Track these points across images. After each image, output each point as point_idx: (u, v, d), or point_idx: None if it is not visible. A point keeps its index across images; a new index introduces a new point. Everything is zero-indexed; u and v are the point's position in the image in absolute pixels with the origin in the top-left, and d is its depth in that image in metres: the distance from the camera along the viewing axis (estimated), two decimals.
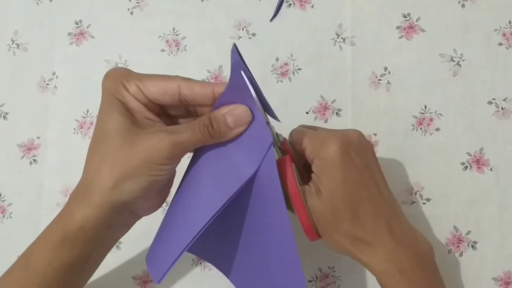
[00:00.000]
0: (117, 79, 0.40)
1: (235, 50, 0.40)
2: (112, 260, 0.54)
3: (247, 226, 0.45)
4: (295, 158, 0.44)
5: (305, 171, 0.46)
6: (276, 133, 0.43)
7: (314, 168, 0.43)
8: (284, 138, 0.45)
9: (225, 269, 0.49)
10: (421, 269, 0.43)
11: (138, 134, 0.39)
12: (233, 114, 0.39)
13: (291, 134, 0.46)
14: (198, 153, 0.43)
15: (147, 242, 0.54)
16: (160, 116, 0.42)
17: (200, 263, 0.54)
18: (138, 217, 0.45)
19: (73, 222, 0.40)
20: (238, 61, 0.39)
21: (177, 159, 0.40)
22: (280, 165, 0.42)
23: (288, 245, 0.44)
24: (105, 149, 0.39)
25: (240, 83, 0.39)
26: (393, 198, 0.46)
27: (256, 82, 0.40)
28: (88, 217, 0.40)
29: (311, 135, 0.44)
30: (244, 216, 0.45)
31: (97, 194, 0.39)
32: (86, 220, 0.40)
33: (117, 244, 0.54)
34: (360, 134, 0.45)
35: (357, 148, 0.43)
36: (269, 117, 0.43)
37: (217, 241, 0.48)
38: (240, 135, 0.41)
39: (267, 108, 0.42)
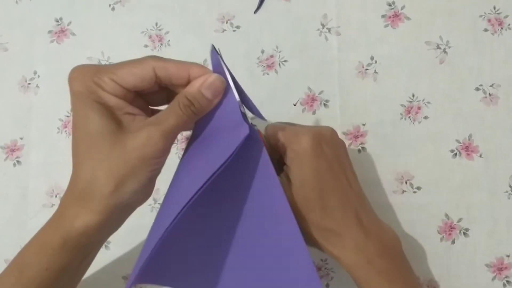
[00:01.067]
0: (88, 78, 0.39)
1: (215, 51, 0.40)
2: (102, 260, 0.53)
3: (244, 235, 0.44)
4: (269, 152, 0.43)
5: (279, 167, 0.46)
6: (252, 124, 0.41)
7: (286, 159, 0.43)
8: (259, 130, 0.43)
9: None
10: (389, 259, 0.43)
11: (126, 134, 0.39)
12: (208, 86, 0.39)
13: (266, 128, 0.46)
14: (185, 150, 0.43)
15: (136, 241, 0.54)
16: (139, 105, 0.42)
17: None
18: (133, 209, 0.44)
19: (74, 229, 0.39)
20: (218, 63, 0.39)
21: (169, 148, 0.40)
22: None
23: (298, 248, 0.43)
24: (97, 155, 0.39)
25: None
26: (362, 191, 0.46)
27: (237, 82, 0.40)
28: (90, 224, 0.39)
29: (285, 128, 0.45)
30: (238, 225, 0.44)
31: (98, 199, 0.39)
32: (89, 227, 0.39)
33: (105, 244, 0.53)
34: (333, 131, 0.46)
35: (329, 142, 0.44)
36: (255, 118, 0.43)
37: (206, 261, 0.46)
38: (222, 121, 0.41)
39: (251, 108, 0.42)
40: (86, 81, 0.39)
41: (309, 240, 0.44)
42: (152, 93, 0.42)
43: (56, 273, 0.41)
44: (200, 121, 0.42)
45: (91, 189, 0.39)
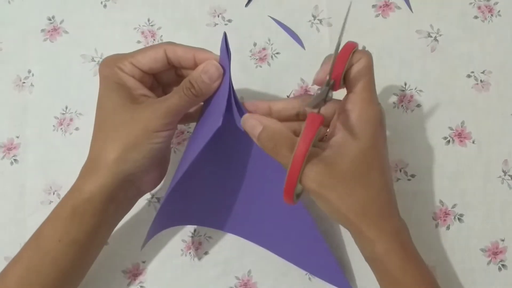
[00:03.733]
0: (112, 64, 0.46)
1: (224, 38, 0.44)
2: (101, 254, 0.53)
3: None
4: None
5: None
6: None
7: (355, 117, 0.42)
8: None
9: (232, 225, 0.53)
10: (413, 245, 0.43)
11: (136, 108, 0.44)
12: (207, 71, 0.44)
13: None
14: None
15: (135, 235, 0.54)
16: (154, 90, 0.48)
17: (189, 253, 0.54)
18: (141, 193, 0.49)
19: (81, 195, 0.44)
20: (224, 50, 0.44)
21: (172, 125, 0.45)
22: (308, 122, 0.39)
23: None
24: (108, 127, 0.44)
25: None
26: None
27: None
28: (95, 190, 0.44)
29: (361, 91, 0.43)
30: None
31: (102, 167, 0.44)
32: (94, 193, 0.44)
33: None
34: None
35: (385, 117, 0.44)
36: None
37: (217, 201, 0.52)
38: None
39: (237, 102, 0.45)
40: (111, 66, 0.46)
41: (343, 223, 0.43)
42: (169, 77, 0.49)
43: (68, 246, 0.44)
44: (205, 103, 0.47)
45: (98, 158, 0.44)
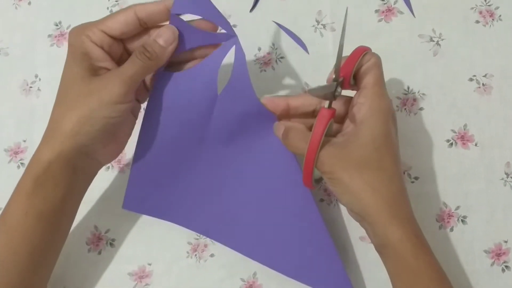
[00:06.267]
0: (81, 32, 0.45)
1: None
2: (107, 257, 0.54)
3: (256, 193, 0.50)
4: None
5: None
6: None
7: (358, 113, 0.44)
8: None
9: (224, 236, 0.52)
10: (423, 234, 0.44)
11: (93, 80, 0.44)
12: (162, 35, 0.44)
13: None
14: None
15: (140, 238, 0.55)
16: (123, 61, 0.46)
17: (195, 255, 0.54)
18: (100, 164, 0.49)
19: (40, 165, 0.44)
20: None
21: (128, 96, 0.44)
22: (320, 114, 0.43)
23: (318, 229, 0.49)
24: (68, 98, 0.44)
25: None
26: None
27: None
28: (52, 158, 0.43)
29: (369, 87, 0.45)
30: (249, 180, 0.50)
31: (58, 138, 0.44)
32: (51, 161, 0.43)
33: (110, 241, 0.54)
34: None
35: (394, 111, 0.47)
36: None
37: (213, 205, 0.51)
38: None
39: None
40: (79, 34, 0.45)
41: (355, 206, 0.43)
42: (139, 43, 0.47)
43: (35, 220, 0.44)
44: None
45: (56, 127, 0.44)
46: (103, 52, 0.45)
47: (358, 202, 0.43)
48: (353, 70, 0.44)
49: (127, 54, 0.48)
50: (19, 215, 0.44)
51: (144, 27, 0.46)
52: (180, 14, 0.45)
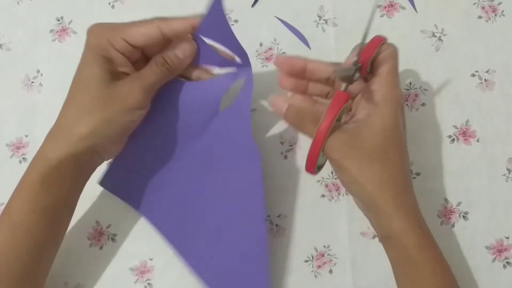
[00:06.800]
0: (103, 36, 0.45)
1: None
2: (108, 252, 0.54)
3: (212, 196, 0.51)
4: None
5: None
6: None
7: (369, 103, 0.45)
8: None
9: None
10: (427, 227, 0.44)
11: (114, 84, 0.45)
12: (181, 48, 0.46)
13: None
14: None
15: (142, 233, 0.55)
16: (139, 63, 0.48)
17: None
18: (103, 160, 0.50)
19: (48, 163, 0.44)
20: (216, 12, 0.44)
21: (147, 102, 0.47)
22: (335, 96, 0.44)
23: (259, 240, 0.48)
24: (84, 99, 0.45)
25: (217, 18, 0.44)
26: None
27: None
28: (63, 158, 0.44)
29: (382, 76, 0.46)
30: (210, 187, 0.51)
31: (73, 137, 0.44)
32: (61, 160, 0.44)
33: (112, 236, 0.54)
34: None
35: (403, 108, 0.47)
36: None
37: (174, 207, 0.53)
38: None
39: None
40: (100, 37, 0.45)
41: (362, 196, 0.44)
42: (157, 50, 0.48)
43: (40, 215, 0.44)
44: None
45: (70, 128, 0.44)
46: (125, 58, 0.46)
47: (365, 193, 0.43)
48: (371, 58, 0.45)
49: (144, 57, 0.49)
50: (25, 210, 0.44)
51: (168, 42, 0.47)
52: None
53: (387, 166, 0.43)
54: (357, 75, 0.44)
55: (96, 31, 0.46)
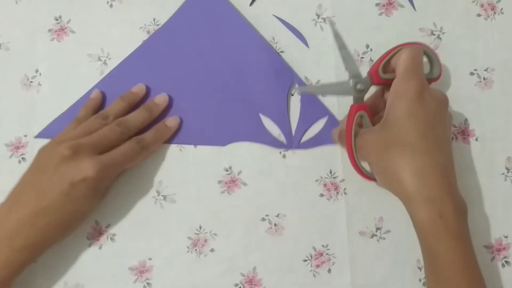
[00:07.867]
0: (106, 174, 0.50)
1: None
2: (108, 252, 0.54)
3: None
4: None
5: None
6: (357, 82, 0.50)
7: (387, 101, 0.48)
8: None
9: None
10: (458, 219, 0.44)
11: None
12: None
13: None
14: None
15: (141, 233, 0.55)
16: None
17: (195, 250, 0.55)
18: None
19: None
20: None
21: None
22: (350, 111, 0.50)
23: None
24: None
25: None
26: (451, 153, 0.48)
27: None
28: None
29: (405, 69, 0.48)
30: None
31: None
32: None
33: (111, 236, 0.55)
34: (441, 91, 0.49)
35: (433, 95, 0.47)
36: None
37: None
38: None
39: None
40: (104, 173, 0.49)
41: (387, 186, 0.47)
42: None
43: None
44: None
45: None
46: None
47: (388, 182, 0.46)
48: (380, 66, 0.50)
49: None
50: None
51: None
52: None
53: (403, 151, 0.45)
54: (359, 86, 0.50)
55: (97, 166, 0.49)
